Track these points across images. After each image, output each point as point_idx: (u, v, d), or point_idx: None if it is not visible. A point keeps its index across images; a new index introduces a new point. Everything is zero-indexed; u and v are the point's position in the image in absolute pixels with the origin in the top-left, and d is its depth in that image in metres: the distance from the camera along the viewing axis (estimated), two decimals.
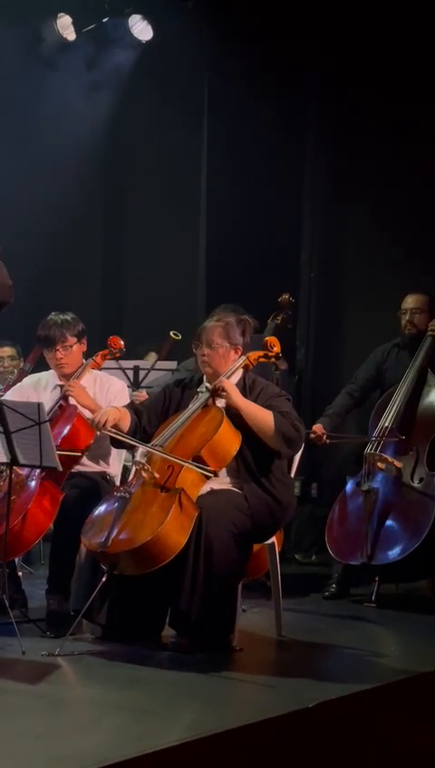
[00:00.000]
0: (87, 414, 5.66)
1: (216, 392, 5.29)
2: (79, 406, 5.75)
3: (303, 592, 6.65)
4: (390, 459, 6.40)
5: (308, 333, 8.47)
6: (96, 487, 5.68)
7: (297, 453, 5.52)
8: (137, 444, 5.32)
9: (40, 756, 3.58)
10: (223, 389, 5.25)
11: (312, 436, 6.56)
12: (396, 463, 6.40)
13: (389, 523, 6.35)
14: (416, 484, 6.37)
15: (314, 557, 7.80)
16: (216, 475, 5.14)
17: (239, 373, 5.43)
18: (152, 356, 8.08)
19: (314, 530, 7.57)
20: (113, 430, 5.28)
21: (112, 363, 6.84)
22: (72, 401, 5.79)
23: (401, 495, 6.39)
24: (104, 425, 5.26)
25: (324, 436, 6.61)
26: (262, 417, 5.23)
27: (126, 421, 5.38)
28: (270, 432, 5.20)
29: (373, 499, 6.38)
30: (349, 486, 6.59)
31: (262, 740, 3.94)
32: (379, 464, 6.43)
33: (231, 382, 5.32)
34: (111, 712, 4.14)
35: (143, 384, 7.14)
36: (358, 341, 8.24)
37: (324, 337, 8.59)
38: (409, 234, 8.09)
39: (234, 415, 5.25)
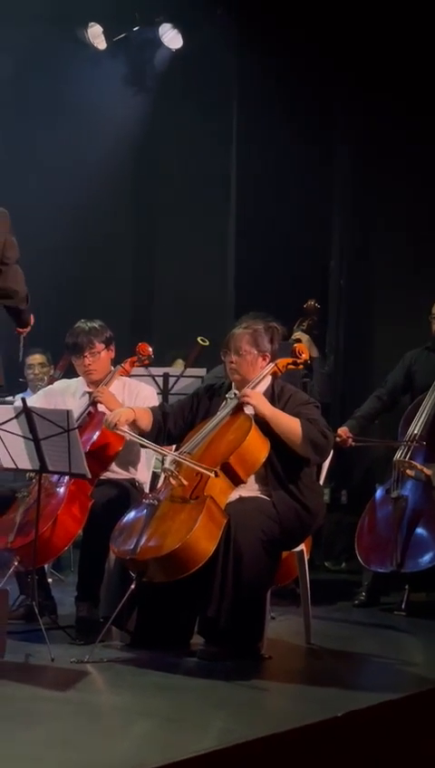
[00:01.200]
0: None
1: (243, 401, 5.28)
2: (108, 412, 5.76)
3: (332, 600, 6.64)
4: (419, 466, 6.37)
5: (338, 339, 8.44)
6: (125, 494, 5.68)
7: (326, 459, 5.50)
8: (152, 446, 5.34)
9: (68, 763, 3.58)
10: (249, 400, 5.25)
11: (337, 439, 6.55)
12: (425, 470, 6.36)
13: (418, 530, 6.32)
14: None
15: (344, 564, 7.78)
16: (243, 481, 5.14)
17: (268, 380, 5.42)
18: (179, 363, 8.08)
19: (345, 537, 7.55)
20: (125, 429, 5.28)
21: (142, 370, 6.85)
22: (101, 408, 5.80)
23: (430, 503, 6.35)
24: (116, 425, 5.26)
25: (350, 440, 6.59)
26: (289, 424, 5.22)
27: (145, 421, 5.38)
28: (298, 439, 5.19)
29: (403, 506, 6.36)
30: (378, 494, 6.57)
31: (291, 749, 3.92)
32: (408, 471, 6.40)
33: (257, 392, 5.31)
34: (139, 719, 4.14)
35: (173, 391, 7.13)
36: (388, 347, 8.21)
37: (354, 343, 8.57)
38: None
39: (262, 422, 5.25)
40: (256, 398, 5.27)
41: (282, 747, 3.89)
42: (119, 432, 5.33)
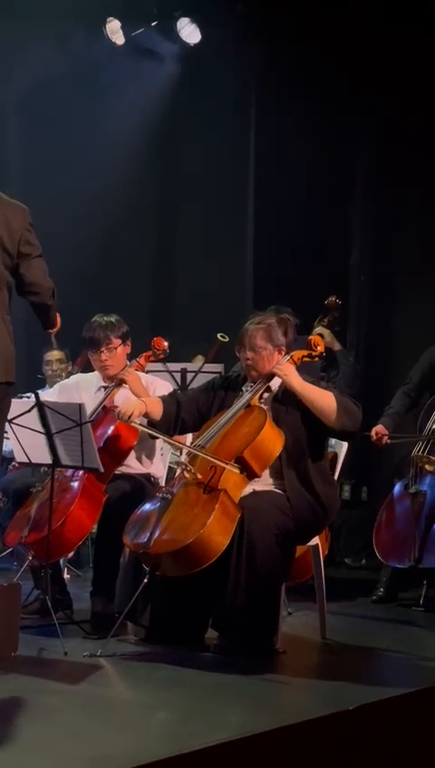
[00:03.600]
0: None
1: (275, 372, 5.24)
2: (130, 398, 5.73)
3: (351, 596, 6.61)
4: None
5: (359, 336, 8.41)
6: (140, 489, 5.67)
7: (357, 429, 5.40)
8: (166, 439, 5.34)
9: (81, 756, 3.56)
10: (280, 371, 5.22)
11: (374, 438, 6.52)
12: None
13: None
14: None
15: (363, 561, 7.75)
16: (257, 475, 5.12)
17: None
18: (200, 359, 8.06)
19: (365, 534, 7.48)
20: (137, 422, 5.27)
21: (159, 366, 6.83)
22: (116, 400, 5.78)
23: None
24: (130, 417, 5.24)
25: (385, 438, 6.55)
26: (323, 396, 5.20)
27: (156, 412, 5.35)
28: (332, 410, 5.16)
29: (421, 501, 6.32)
30: (396, 489, 6.52)
31: (304, 741, 3.90)
32: (426, 466, 6.36)
33: (290, 365, 5.28)
34: (153, 713, 4.13)
35: (191, 387, 7.11)
36: (408, 343, 8.17)
37: (375, 339, 8.53)
38: None
39: (282, 405, 5.22)
40: (288, 370, 5.24)
41: (295, 740, 3.87)
42: (133, 425, 5.30)
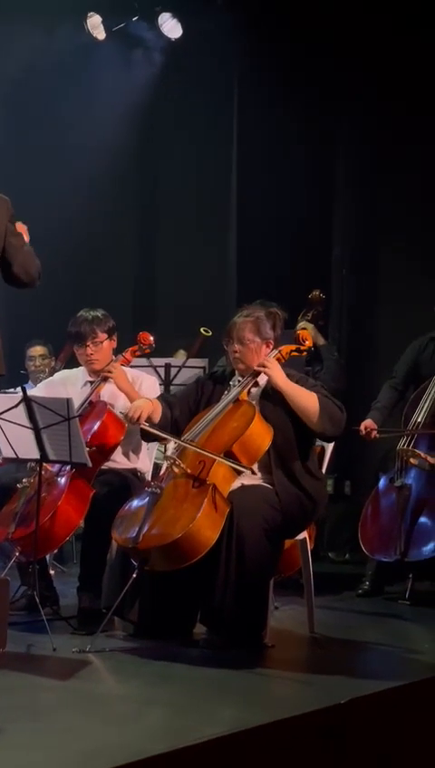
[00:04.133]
0: (120, 403, 5.67)
1: (259, 369, 5.23)
2: (108, 403, 5.73)
3: (336, 590, 6.61)
4: (423, 455, 6.35)
5: (341, 330, 8.41)
6: (127, 484, 5.65)
7: (340, 434, 5.38)
8: (171, 438, 5.29)
9: (74, 752, 3.54)
10: (267, 366, 5.20)
11: (362, 432, 6.52)
12: (429, 458, 6.34)
13: (422, 519, 6.29)
14: None
15: (347, 555, 7.75)
16: (252, 472, 5.10)
17: None
18: (181, 354, 8.05)
19: (348, 528, 7.52)
20: (147, 424, 5.25)
21: (143, 361, 6.83)
22: (103, 396, 5.77)
23: (434, 491, 6.32)
24: (139, 419, 5.22)
25: (374, 432, 6.55)
26: (306, 397, 5.18)
27: (158, 413, 5.34)
28: (315, 412, 5.15)
29: (406, 495, 6.33)
30: (381, 483, 6.53)
31: (298, 735, 3.90)
32: (411, 459, 6.38)
33: (276, 362, 5.26)
34: (145, 707, 4.11)
35: (175, 382, 7.10)
36: (391, 338, 8.19)
37: (357, 333, 8.54)
38: None
39: (270, 400, 5.21)
40: (274, 368, 5.23)
41: (290, 733, 3.86)
42: (143, 427, 5.27)
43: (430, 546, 6.20)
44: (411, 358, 6.83)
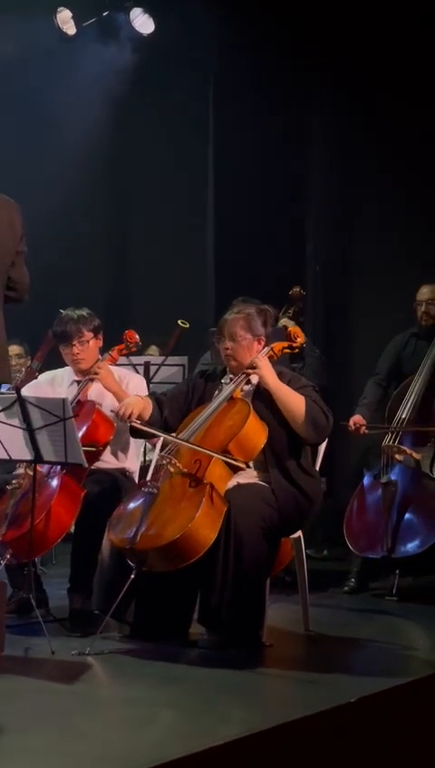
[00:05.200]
0: (108, 402, 5.62)
1: (250, 368, 5.22)
2: (97, 402, 5.68)
3: (321, 587, 6.56)
4: (408, 451, 6.36)
5: (315, 326, 8.39)
6: (117, 484, 5.61)
7: (323, 442, 5.42)
8: (166, 436, 5.24)
9: (87, 757, 3.51)
10: (258, 364, 5.18)
11: (351, 428, 6.52)
12: (414, 454, 6.35)
13: (408, 515, 6.29)
14: None
15: (326, 552, 7.72)
16: (248, 467, 5.08)
17: None
18: (153, 349, 8.01)
19: (326, 525, 7.50)
20: (138, 422, 5.21)
21: (123, 360, 6.76)
22: (90, 396, 5.72)
23: (420, 487, 6.34)
24: (129, 417, 5.18)
25: (363, 428, 6.55)
26: (294, 400, 5.16)
27: (148, 411, 5.31)
28: (300, 416, 5.13)
29: (392, 491, 6.33)
30: (366, 479, 6.53)
31: (312, 735, 3.89)
32: (397, 456, 6.38)
33: (267, 362, 5.25)
34: (154, 711, 4.07)
35: (154, 380, 7.06)
36: (365, 334, 8.21)
37: (331, 330, 8.53)
38: (415, 225, 8.07)
39: (263, 398, 5.19)
40: (265, 367, 5.21)
41: (304, 734, 3.85)
42: (134, 425, 5.22)
43: (416, 542, 6.21)
44: (394, 354, 6.84)
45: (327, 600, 6.29)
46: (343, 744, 4.05)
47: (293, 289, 7.24)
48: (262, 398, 5.26)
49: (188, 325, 7.21)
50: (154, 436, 5.34)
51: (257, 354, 5.29)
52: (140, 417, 5.24)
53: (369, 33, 8.07)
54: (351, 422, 6.58)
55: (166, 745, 3.59)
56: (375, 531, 6.32)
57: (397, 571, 6.36)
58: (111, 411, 5.46)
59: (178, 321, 7.23)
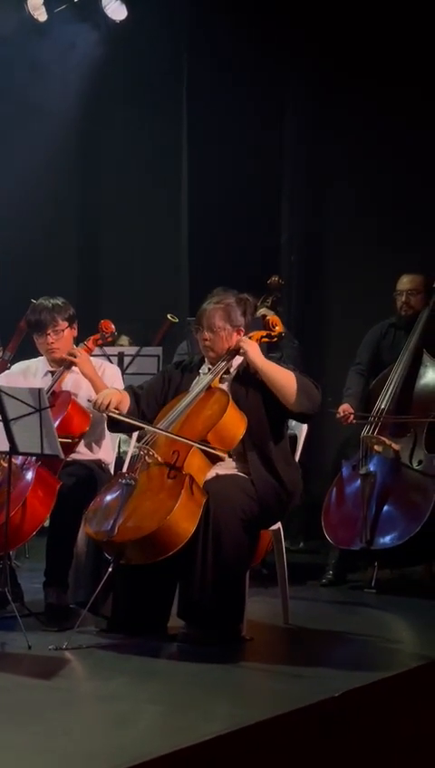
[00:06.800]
0: (83, 393, 5.56)
1: (236, 351, 5.14)
2: (72, 392, 5.59)
3: (298, 580, 6.44)
4: (387, 441, 6.29)
5: (289, 315, 8.32)
6: (93, 475, 5.51)
7: (316, 411, 5.25)
8: (144, 426, 5.15)
9: (74, 754, 3.43)
10: (244, 345, 5.10)
11: (339, 416, 6.45)
12: (394, 445, 6.29)
13: (387, 507, 6.24)
14: (415, 466, 6.26)
15: (301, 544, 7.65)
16: (231, 456, 4.99)
17: None
18: (124, 339, 7.92)
19: (301, 517, 7.43)
20: (116, 412, 5.11)
21: (97, 350, 6.66)
22: (65, 386, 5.62)
23: (399, 478, 6.28)
24: (107, 407, 5.08)
25: (351, 417, 6.47)
26: (284, 375, 5.08)
27: (126, 403, 5.22)
28: (292, 389, 5.03)
29: (371, 482, 6.27)
30: (345, 470, 6.46)
31: (297, 730, 3.82)
32: (376, 446, 6.31)
33: (253, 342, 5.16)
34: (136, 706, 3.99)
35: (128, 371, 6.96)
36: (340, 324, 8.16)
37: (306, 319, 8.47)
38: (391, 214, 8.04)
39: (242, 388, 5.11)
40: (251, 347, 5.12)
41: (289, 728, 3.78)
42: (112, 415, 5.13)
43: (395, 534, 6.16)
44: (373, 343, 6.76)
45: (305, 592, 6.22)
46: (330, 739, 3.98)
47: (271, 278, 7.18)
48: (242, 387, 5.18)
49: (177, 320, 7.14)
50: (133, 427, 5.25)
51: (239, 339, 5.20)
52: (117, 409, 5.14)
53: (350, 14, 8.01)
54: (340, 409, 6.50)
55: (150, 742, 3.52)
56: (354, 522, 6.26)
57: (376, 563, 6.29)
58: (89, 401, 5.36)
59: (168, 316, 7.15)
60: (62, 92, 8.59)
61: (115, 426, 5.29)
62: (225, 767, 3.54)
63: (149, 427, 5.12)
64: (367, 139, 8.12)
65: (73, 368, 5.68)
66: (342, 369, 6.96)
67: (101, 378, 5.61)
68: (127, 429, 5.40)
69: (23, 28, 8.27)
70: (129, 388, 5.38)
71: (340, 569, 6.45)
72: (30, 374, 5.83)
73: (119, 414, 5.13)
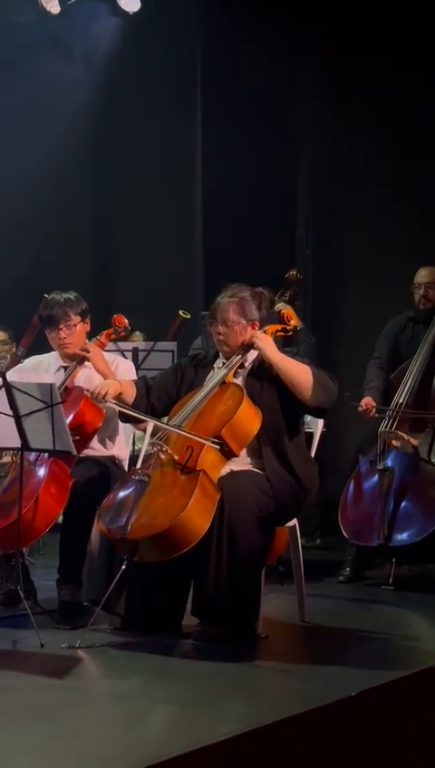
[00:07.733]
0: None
1: (250, 345, 5.07)
2: (85, 388, 5.52)
3: (315, 577, 6.42)
4: (406, 437, 6.21)
5: (305, 310, 8.25)
6: (106, 472, 5.45)
7: (332, 405, 5.15)
8: (149, 419, 5.08)
9: (85, 755, 3.36)
10: (257, 341, 5.03)
11: (362, 409, 6.36)
12: (412, 440, 6.21)
13: (405, 503, 6.15)
14: (434, 461, 6.17)
15: (318, 540, 7.58)
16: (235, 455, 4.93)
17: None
18: (138, 335, 7.87)
19: (318, 513, 7.36)
20: (114, 401, 5.04)
21: (111, 345, 6.60)
22: (78, 381, 5.56)
23: (418, 474, 6.20)
24: (104, 397, 5.03)
25: (373, 410, 6.38)
26: (300, 369, 5.00)
27: (129, 394, 5.16)
28: (308, 383, 4.96)
29: (389, 478, 6.18)
30: (362, 465, 6.37)
31: (313, 729, 3.76)
32: (394, 441, 6.24)
33: (268, 336, 5.09)
34: (151, 706, 3.94)
35: (143, 366, 6.89)
36: (356, 319, 8.09)
37: (322, 314, 8.40)
38: (407, 208, 7.98)
39: (257, 383, 5.04)
40: (266, 341, 5.05)
41: (305, 728, 3.72)
42: (109, 405, 5.07)
43: (413, 530, 6.07)
44: (392, 336, 6.68)
45: (322, 589, 6.15)
46: (346, 740, 3.92)
47: (289, 272, 7.12)
48: (256, 381, 5.11)
49: (189, 316, 7.08)
50: (140, 419, 5.17)
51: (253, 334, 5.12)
52: (120, 400, 5.08)
53: (366, 7, 7.96)
54: (363, 402, 6.41)
55: (164, 742, 3.46)
56: (371, 518, 6.17)
57: (393, 560, 6.22)
58: (86, 391, 5.28)
59: (180, 312, 7.09)
60: (76, 87, 8.54)
61: (125, 416, 5.23)
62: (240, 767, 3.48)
63: (160, 424, 5.06)
64: (383, 132, 8.04)
65: (86, 363, 5.61)
66: (359, 363, 6.88)
67: (113, 373, 5.54)
68: (135, 420, 5.32)
69: (39, 20, 8.20)
70: (141, 379, 5.33)
71: (357, 565, 6.38)
72: (42, 369, 5.76)
73: (120, 405, 5.06)
